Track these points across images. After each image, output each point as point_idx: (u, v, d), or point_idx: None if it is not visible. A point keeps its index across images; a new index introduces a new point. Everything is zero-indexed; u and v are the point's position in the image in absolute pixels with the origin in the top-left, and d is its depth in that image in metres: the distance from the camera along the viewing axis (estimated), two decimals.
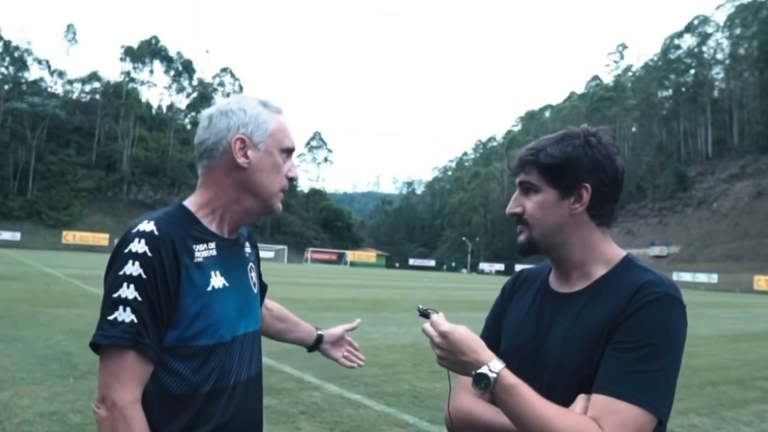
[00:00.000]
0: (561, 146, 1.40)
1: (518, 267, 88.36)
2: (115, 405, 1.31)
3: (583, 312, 1.37)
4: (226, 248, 1.53)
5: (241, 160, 1.48)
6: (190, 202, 1.54)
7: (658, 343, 1.25)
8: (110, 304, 1.35)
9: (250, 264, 1.64)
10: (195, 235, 1.46)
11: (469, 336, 1.30)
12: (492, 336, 1.56)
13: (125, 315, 1.33)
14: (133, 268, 1.35)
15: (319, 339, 2.06)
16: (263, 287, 1.83)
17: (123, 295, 1.34)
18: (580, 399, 1.27)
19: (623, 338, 1.27)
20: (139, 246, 1.36)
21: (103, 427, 1.32)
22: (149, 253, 1.35)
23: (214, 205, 1.53)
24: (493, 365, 1.26)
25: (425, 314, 1.38)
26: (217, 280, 1.46)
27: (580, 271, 1.43)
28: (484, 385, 1.25)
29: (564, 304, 1.42)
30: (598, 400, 1.23)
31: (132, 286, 1.34)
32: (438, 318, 1.35)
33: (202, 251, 1.45)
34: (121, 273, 1.35)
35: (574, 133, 1.42)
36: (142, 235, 1.37)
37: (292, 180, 1.57)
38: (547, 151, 1.41)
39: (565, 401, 1.27)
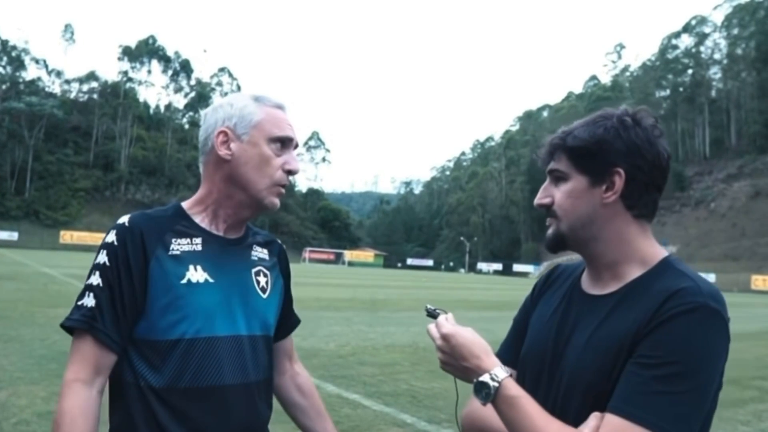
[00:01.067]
0: (591, 128, 1.26)
1: (516, 267, 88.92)
2: (63, 382, 1.36)
3: (608, 318, 1.22)
4: (218, 245, 1.51)
5: (222, 152, 1.48)
6: (188, 200, 1.57)
7: (686, 361, 1.08)
8: (82, 290, 1.42)
9: (260, 268, 1.59)
10: (179, 229, 1.47)
11: (472, 340, 1.21)
12: (517, 336, 1.46)
13: (88, 300, 1.38)
14: (101, 257, 1.41)
15: None
16: (292, 318, 1.77)
17: (90, 282, 1.40)
18: (593, 417, 1.13)
19: (646, 353, 1.11)
20: (110, 237, 1.42)
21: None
22: (115, 243, 1.40)
23: (207, 201, 1.53)
24: (496, 373, 1.17)
25: (433, 315, 1.30)
26: (197, 275, 1.44)
27: (611, 271, 1.28)
28: (485, 394, 1.17)
29: (591, 307, 1.28)
30: (611, 420, 1.09)
31: (97, 273, 1.40)
32: (443, 319, 1.27)
33: (183, 245, 1.45)
34: (95, 262, 1.42)
35: (609, 114, 1.28)
36: (115, 227, 1.44)
37: (290, 173, 1.52)
38: (576, 133, 1.27)
39: (579, 416, 1.15)
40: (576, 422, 1.14)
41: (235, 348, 1.46)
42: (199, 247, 1.47)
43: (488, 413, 1.29)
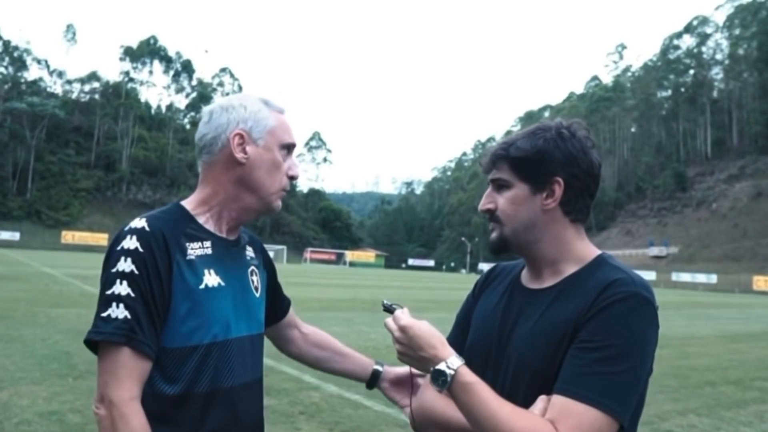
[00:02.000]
0: (532, 139, 1.35)
1: None
2: (112, 403, 1.28)
3: (549, 309, 1.32)
4: (223, 247, 1.50)
5: (239, 156, 1.47)
6: (189, 201, 1.54)
7: (622, 344, 1.19)
8: (104, 301, 1.34)
9: (252, 267, 1.61)
10: (189, 233, 1.45)
11: (429, 331, 1.27)
12: (460, 331, 1.54)
13: (118, 311, 1.31)
14: (125, 265, 1.34)
15: (376, 374, 1.83)
16: (285, 301, 1.84)
17: (116, 292, 1.32)
18: (540, 400, 1.23)
19: (586, 338, 1.21)
20: (131, 243, 1.35)
21: (103, 426, 1.29)
22: (141, 249, 1.35)
23: (211, 202, 1.51)
24: (451, 362, 1.22)
25: (390, 309, 1.36)
26: (212, 279, 1.43)
27: (551, 268, 1.38)
28: (442, 381, 1.22)
29: (532, 300, 1.38)
30: (557, 401, 1.18)
31: (125, 283, 1.33)
32: (400, 313, 1.33)
33: (196, 249, 1.44)
34: (114, 270, 1.34)
35: (547, 126, 1.38)
36: (133, 232, 1.37)
37: (292, 179, 1.55)
38: (518, 144, 1.36)
39: (526, 401, 1.23)
40: (524, 406, 1.21)
41: (242, 349, 1.48)
42: (210, 251, 1.47)
43: (438, 403, 1.39)
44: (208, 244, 1.47)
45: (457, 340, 1.43)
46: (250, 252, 1.64)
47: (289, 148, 1.54)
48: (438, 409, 1.40)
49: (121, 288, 1.33)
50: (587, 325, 1.22)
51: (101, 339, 1.31)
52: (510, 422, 1.16)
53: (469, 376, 1.22)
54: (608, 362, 1.18)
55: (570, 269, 1.36)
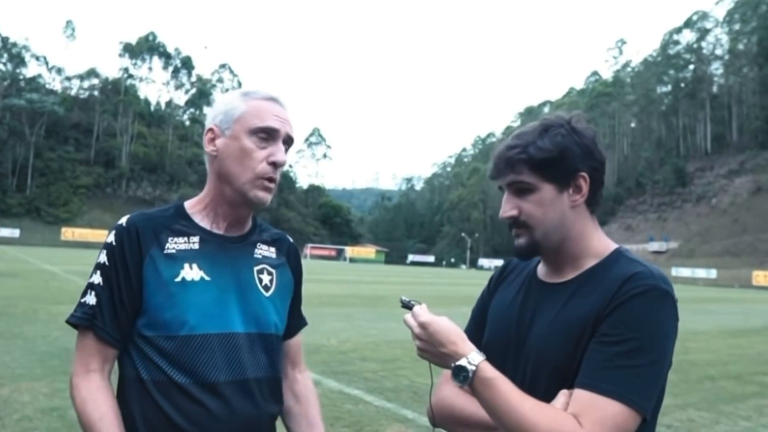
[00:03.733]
0: (549, 137, 1.33)
1: None
2: (73, 375, 1.42)
3: (568, 303, 1.31)
4: (216, 244, 1.51)
5: (208, 149, 1.51)
6: (190, 200, 1.60)
7: (643, 337, 1.19)
8: (84, 288, 1.47)
9: (263, 266, 1.58)
10: (177, 228, 1.50)
11: (449, 327, 1.26)
12: (476, 327, 1.53)
13: (90, 298, 1.44)
14: (102, 257, 1.46)
15: None
16: (298, 321, 1.74)
17: (92, 281, 1.45)
18: (562, 394, 1.22)
19: (607, 331, 1.21)
20: (110, 237, 1.47)
21: (71, 396, 1.42)
22: (114, 243, 1.45)
23: (206, 199, 1.56)
24: (472, 357, 1.22)
25: (408, 306, 1.34)
26: (192, 273, 1.45)
27: (570, 263, 1.37)
28: (463, 377, 1.21)
29: (550, 294, 1.37)
30: (579, 395, 1.18)
31: (98, 273, 1.45)
32: (419, 309, 1.31)
33: (179, 244, 1.48)
34: (96, 261, 1.47)
35: (554, 122, 1.36)
36: (115, 228, 1.49)
37: (276, 165, 1.48)
38: (538, 144, 1.32)
39: (547, 395, 1.22)
40: (544, 401, 1.20)
41: (231, 345, 1.46)
42: (196, 246, 1.49)
43: (457, 400, 1.39)
44: (195, 239, 1.50)
45: (474, 335, 1.40)
46: (265, 251, 1.61)
47: (266, 132, 1.47)
48: (457, 405, 1.39)
49: (95, 277, 1.45)
50: (608, 318, 1.22)
51: (72, 321, 1.45)
52: (533, 417, 1.15)
53: (490, 371, 1.21)
54: (630, 356, 1.18)
55: (589, 263, 1.35)
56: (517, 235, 1.38)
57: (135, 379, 1.43)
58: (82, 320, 1.43)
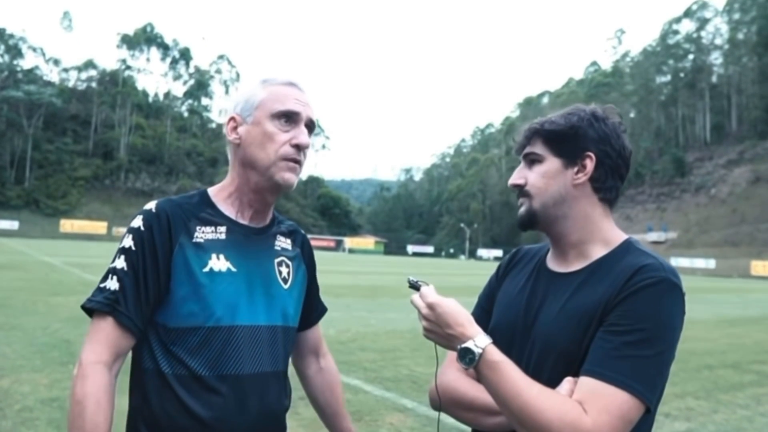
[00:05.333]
0: (567, 117, 1.38)
1: None
2: (80, 363, 1.33)
3: (577, 293, 1.32)
4: (242, 234, 1.51)
5: (231, 137, 1.51)
6: (214, 187, 1.58)
7: (652, 328, 1.19)
8: (105, 273, 1.42)
9: (282, 258, 1.59)
10: (204, 217, 1.48)
11: (456, 309, 1.26)
12: (483, 313, 1.53)
13: (111, 283, 1.38)
14: (127, 241, 1.42)
15: None
16: (318, 308, 1.80)
17: (115, 266, 1.41)
18: (566, 382, 1.22)
19: (616, 321, 1.21)
20: (136, 222, 1.43)
21: (72, 383, 1.34)
22: (142, 228, 1.41)
23: (230, 188, 1.54)
24: (479, 340, 1.22)
25: (415, 286, 1.34)
26: (219, 263, 1.44)
27: (577, 251, 1.38)
28: (469, 360, 1.21)
29: (559, 284, 1.38)
30: (585, 383, 1.18)
31: (122, 258, 1.40)
32: (427, 290, 1.31)
33: (207, 233, 1.46)
34: (120, 246, 1.43)
35: (582, 108, 1.41)
36: (142, 212, 1.45)
37: (298, 147, 1.48)
38: (552, 119, 1.39)
39: (550, 383, 1.22)
40: (549, 387, 1.20)
41: (254, 337, 1.45)
42: (223, 236, 1.47)
43: (460, 383, 1.39)
44: (222, 229, 1.48)
45: (480, 321, 1.39)
46: (283, 242, 1.62)
47: (287, 116, 1.48)
48: (461, 388, 1.39)
49: (119, 262, 1.40)
50: (616, 308, 1.22)
51: (90, 306, 1.38)
52: (538, 402, 1.15)
53: (496, 354, 1.21)
54: (638, 346, 1.18)
55: (597, 252, 1.36)
56: (520, 204, 1.42)
57: (155, 372, 1.40)
58: (103, 305, 1.37)
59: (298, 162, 1.50)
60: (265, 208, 1.57)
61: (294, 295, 1.60)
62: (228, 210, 1.53)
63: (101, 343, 1.35)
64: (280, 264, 1.57)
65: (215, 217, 1.50)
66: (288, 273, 1.59)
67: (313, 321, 1.78)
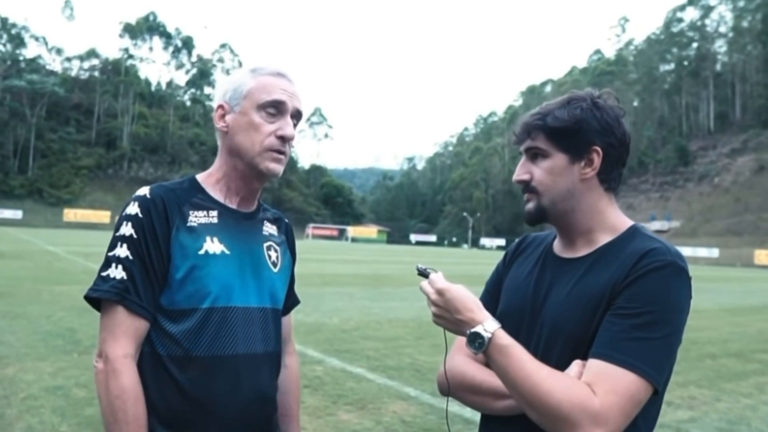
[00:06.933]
0: (568, 109, 1.36)
1: None
2: (108, 359, 1.35)
3: (584, 277, 1.33)
4: (232, 218, 1.54)
5: (219, 125, 1.54)
6: (202, 174, 1.60)
7: (659, 311, 1.21)
8: (105, 261, 1.43)
9: (271, 243, 1.62)
10: (195, 202, 1.51)
11: (465, 295, 1.28)
12: (490, 299, 1.54)
13: (116, 272, 1.40)
14: (126, 229, 1.42)
15: None
16: (291, 298, 1.77)
17: (116, 254, 1.41)
18: (575, 364, 1.24)
19: (624, 304, 1.23)
20: (132, 209, 1.44)
21: (98, 380, 1.36)
22: (140, 215, 1.43)
23: (218, 174, 1.57)
24: (488, 325, 1.23)
25: (424, 273, 1.36)
26: (213, 246, 1.47)
27: (585, 238, 1.39)
28: (478, 344, 1.23)
29: (566, 269, 1.39)
30: (593, 365, 1.20)
31: (125, 246, 1.41)
32: (436, 276, 1.33)
33: (200, 217, 1.49)
34: (117, 234, 1.44)
35: (580, 96, 1.38)
36: (136, 199, 1.46)
37: (284, 139, 1.51)
38: (555, 114, 1.36)
39: (559, 366, 1.24)
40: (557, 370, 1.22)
41: (247, 319, 1.49)
42: (215, 220, 1.51)
43: (468, 368, 1.41)
44: (214, 213, 1.51)
45: (488, 306, 1.39)
46: (270, 228, 1.66)
47: (275, 106, 1.50)
48: (468, 373, 1.41)
49: (121, 250, 1.41)
50: (624, 292, 1.24)
51: (96, 296, 1.40)
52: (547, 384, 1.16)
53: (505, 338, 1.23)
54: (645, 329, 1.19)
55: (604, 238, 1.37)
56: (528, 200, 1.41)
57: (150, 354, 1.42)
58: (111, 294, 1.38)
59: (283, 152, 1.52)
60: (252, 195, 1.60)
61: (282, 279, 1.64)
62: (217, 195, 1.55)
63: (124, 336, 1.38)
64: (269, 248, 1.61)
65: (206, 202, 1.52)
66: (277, 257, 1.63)
67: (287, 310, 1.75)
